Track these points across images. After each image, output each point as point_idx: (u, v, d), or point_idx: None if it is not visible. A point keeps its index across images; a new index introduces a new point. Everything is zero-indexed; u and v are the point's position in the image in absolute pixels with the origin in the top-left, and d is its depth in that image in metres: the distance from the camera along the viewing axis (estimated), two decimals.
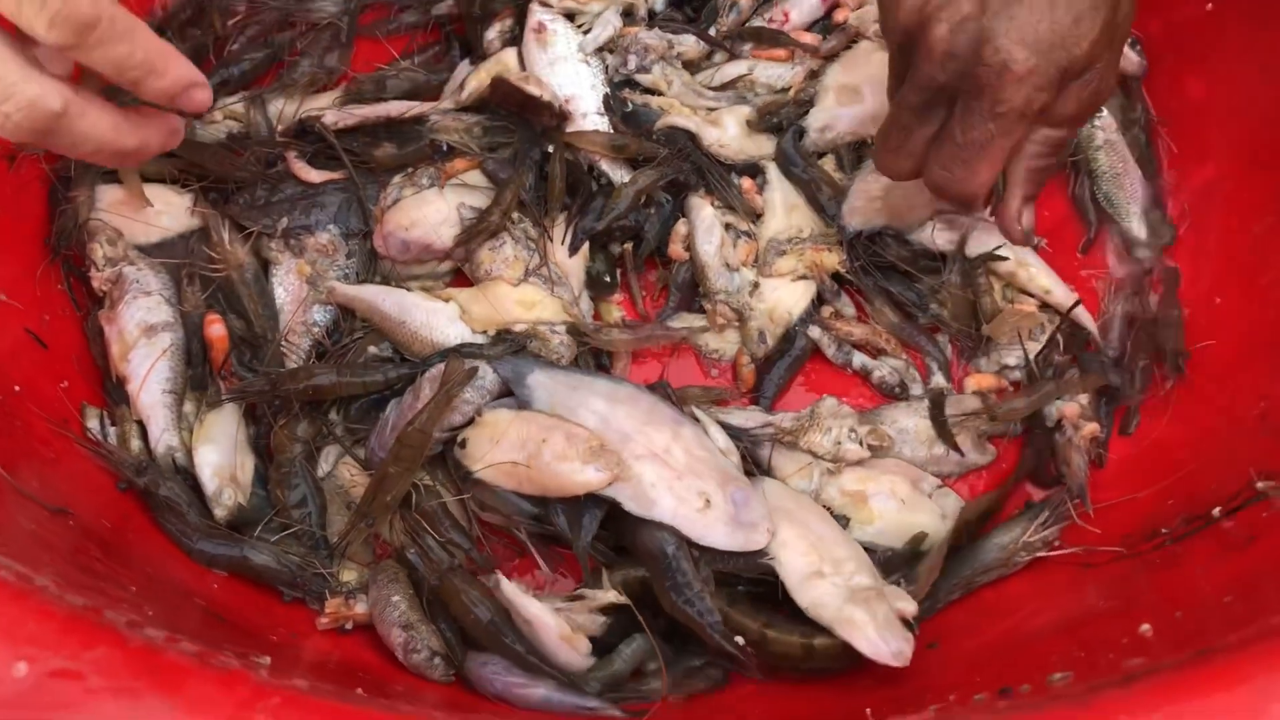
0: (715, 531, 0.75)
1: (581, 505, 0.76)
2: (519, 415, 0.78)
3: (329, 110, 0.94)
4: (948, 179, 0.74)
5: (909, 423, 0.86)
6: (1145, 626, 0.65)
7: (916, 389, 0.88)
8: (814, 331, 0.89)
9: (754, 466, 0.83)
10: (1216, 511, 0.75)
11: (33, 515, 0.62)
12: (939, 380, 0.88)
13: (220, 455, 0.80)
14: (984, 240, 0.89)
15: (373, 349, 0.87)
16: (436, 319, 0.86)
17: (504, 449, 0.77)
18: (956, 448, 0.84)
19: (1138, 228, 0.92)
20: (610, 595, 0.74)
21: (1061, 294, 0.90)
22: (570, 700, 0.71)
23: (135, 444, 0.81)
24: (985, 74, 0.68)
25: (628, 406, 0.79)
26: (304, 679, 0.48)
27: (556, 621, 0.72)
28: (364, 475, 0.82)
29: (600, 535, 0.77)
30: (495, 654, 0.73)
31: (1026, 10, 0.67)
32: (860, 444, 0.82)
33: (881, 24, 0.74)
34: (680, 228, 0.91)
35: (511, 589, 0.73)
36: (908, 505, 0.82)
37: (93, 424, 0.80)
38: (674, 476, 0.76)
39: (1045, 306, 0.90)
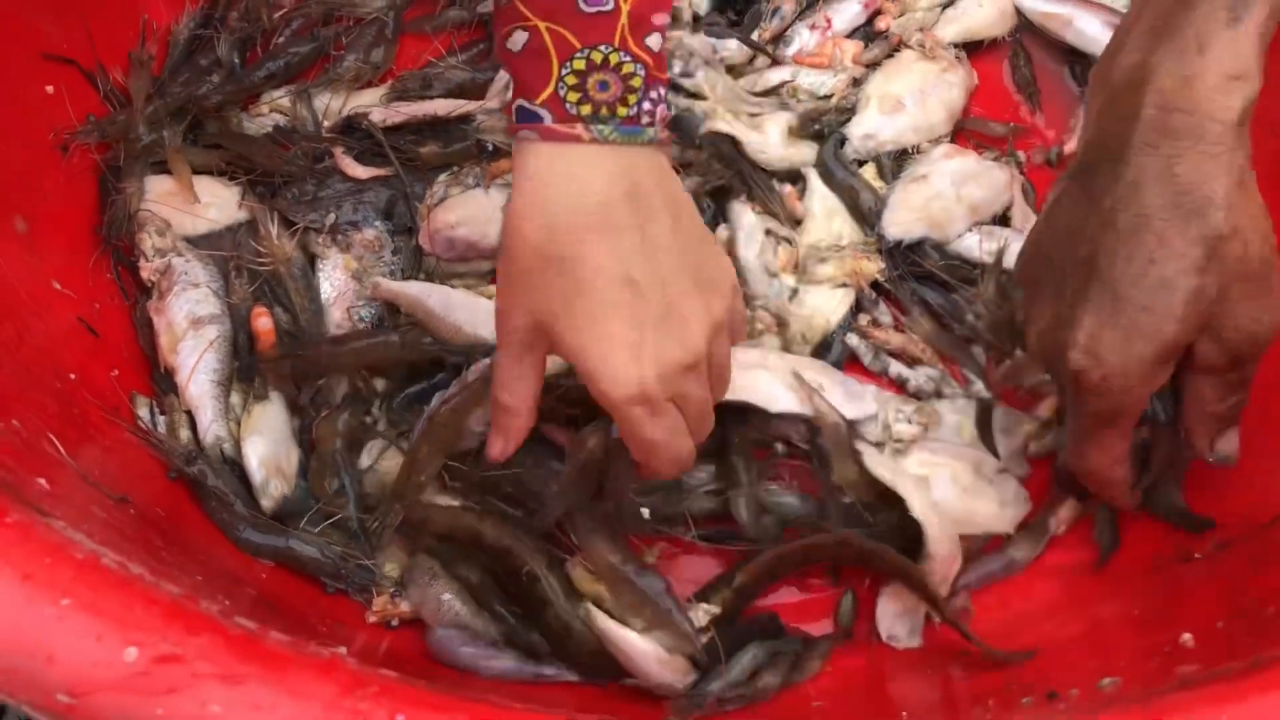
0: (834, 397, 0.81)
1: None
2: None
3: (376, 107, 0.95)
4: (1068, 455, 0.73)
5: (951, 419, 0.86)
6: (1186, 636, 0.66)
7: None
8: (851, 339, 0.90)
9: None
10: None
11: (100, 504, 0.63)
12: (978, 389, 0.88)
13: (267, 447, 0.81)
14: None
15: None
16: (479, 316, 0.86)
17: None
18: (996, 454, 0.85)
19: None
20: (704, 612, 0.73)
21: None
22: (528, 670, 0.72)
23: (184, 434, 0.81)
24: (1068, 382, 0.68)
25: None
26: (391, 669, 0.49)
27: (652, 647, 0.71)
28: None
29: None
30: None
31: (1091, 315, 0.64)
32: (909, 422, 0.83)
33: None
34: (721, 233, 0.91)
35: (601, 617, 0.72)
36: (969, 492, 0.82)
37: (143, 413, 0.81)
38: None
39: None
